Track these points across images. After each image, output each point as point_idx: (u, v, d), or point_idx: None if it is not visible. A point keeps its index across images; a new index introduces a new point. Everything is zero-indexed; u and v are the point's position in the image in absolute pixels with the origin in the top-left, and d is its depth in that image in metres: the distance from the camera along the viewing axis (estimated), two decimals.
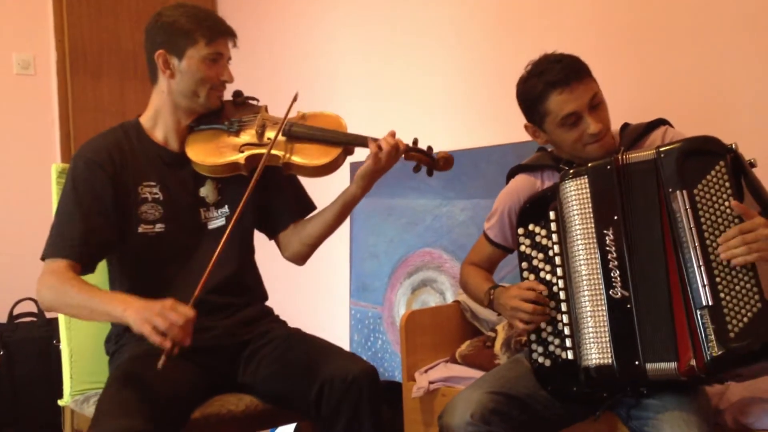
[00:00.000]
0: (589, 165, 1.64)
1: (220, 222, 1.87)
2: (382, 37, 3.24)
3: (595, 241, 1.59)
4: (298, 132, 1.84)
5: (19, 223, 3.37)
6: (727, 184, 1.50)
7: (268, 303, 2.00)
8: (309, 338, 1.85)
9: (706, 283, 1.47)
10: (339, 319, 3.25)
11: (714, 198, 1.50)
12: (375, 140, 1.79)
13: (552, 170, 1.83)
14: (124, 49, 3.71)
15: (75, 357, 1.97)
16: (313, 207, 2.00)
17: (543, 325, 1.66)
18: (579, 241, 1.61)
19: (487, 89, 2.90)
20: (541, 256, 1.69)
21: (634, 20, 2.52)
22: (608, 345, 1.54)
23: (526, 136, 1.89)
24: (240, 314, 1.86)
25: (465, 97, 2.98)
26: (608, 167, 1.61)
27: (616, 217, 1.58)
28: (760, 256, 1.44)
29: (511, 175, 1.93)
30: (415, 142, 1.86)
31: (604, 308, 1.56)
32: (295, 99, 1.85)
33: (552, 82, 1.70)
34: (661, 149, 1.58)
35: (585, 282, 1.59)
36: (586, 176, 1.62)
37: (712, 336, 1.45)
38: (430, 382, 2.15)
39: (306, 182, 2.00)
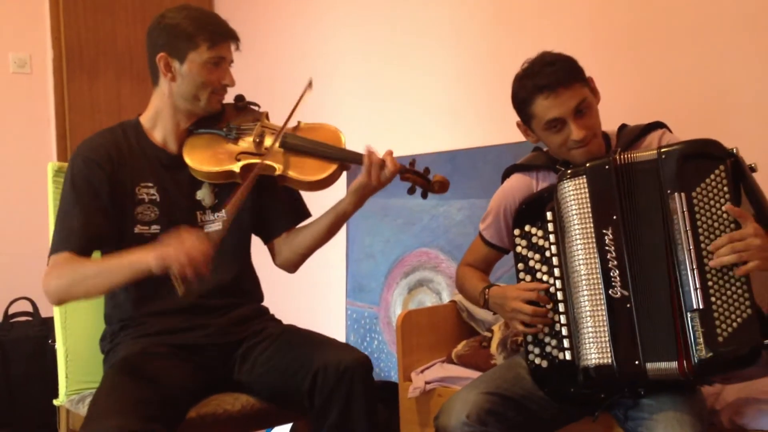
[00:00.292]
0: (588, 165, 1.64)
1: (217, 226, 1.86)
2: (380, 37, 3.24)
3: (594, 241, 1.58)
4: (296, 144, 1.84)
5: (14, 222, 3.37)
6: (726, 188, 1.50)
7: (264, 303, 1.99)
8: (303, 332, 1.85)
9: (698, 286, 1.48)
10: (335, 320, 3.25)
11: (712, 202, 1.50)
12: (366, 153, 1.78)
13: (547, 170, 1.82)
14: (121, 48, 3.70)
15: (70, 356, 1.96)
16: (307, 214, 2.00)
17: (540, 326, 1.66)
18: (578, 241, 1.60)
19: (485, 89, 2.90)
20: (537, 257, 1.69)
21: (634, 20, 2.53)
22: (608, 345, 1.54)
23: (522, 136, 1.90)
24: (234, 313, 1.86)
25: (462, 97, 2.98)
26: (607, 167, 1.61)
27: (615, 217, 1.58)
28: (748, 256, 1.45)
29: (506, 175, 1.93)
30: (412, 163, 1.85)
31: (603, 308, 1.56)
32: (309, 85, 1.84)
33: (539, 87, 1.70)
34: (663, 150, 1.58)
35: (584, 282, 1.59)
36: (584, 176, 1.62)
37: (701, 339, 1.46)
38: (427, 383, 2.15)
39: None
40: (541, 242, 1.69)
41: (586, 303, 1.58)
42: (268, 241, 1.99)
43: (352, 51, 3.33)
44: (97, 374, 1.82)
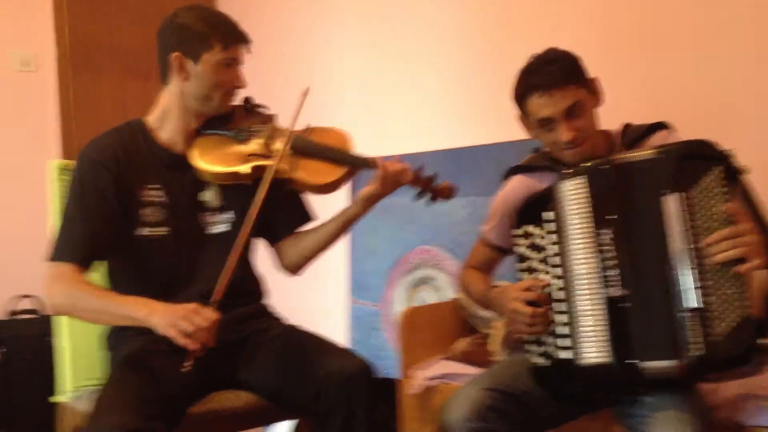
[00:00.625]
0: (588, 164, 1.64)
1: (224, 227, 1.87)
2: (381, 35, 3.25)
3: (593, 240, 1.59)
4: (306, 147, 1.85)
5: (19, 219, 3.38)
6: (723, 189, 1.51)
7: (267, 300, 2.00)
8: (305, 335, 1.86)
9: (695, 286, 1.49)
10: (338, 317, 3.26)
11: (709, 203, 1.51)
12: (382, 163, 1.80)
13: (548, 171, 1.83)
14: (125, 46, 3.71)
15: (75, 353, 1.97)
16: (313, 217, 2.01)
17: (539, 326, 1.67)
18: (578, 241, 1.61)
19: (487, 87, 2.90)
20: (538, 256, 1.69)
21: (636, 21, 2.53)
22: (607, 343, 1.55)
23: (523, 135, 1.90)
24: (236, 312, 1.86)
25: (464, 95, 2.99)
26: (606, 167, 1.62)
27: (615, 216, 1.58)
28: (744, 253, 1.46)
29: (506, 176, 1.94)
30: (420, 169, 1.87)
31: (602, 307, 1.56)
32: (305, 94, 1.85)
33: (534, 85, 1.72)
34: (660, 150, 1.59)
35: (583, 281, 1.59)
36: (584, 176, 1.62)
37: (697, 338, 1.47)
38: (427, 379, 2.16)
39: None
40: (541, 242, 1.69)
41: (586, 302, 1.58)
42: (273, 243, 2.00)
43: (353, 50, 3.34)
44: (99, 371, 1.83)
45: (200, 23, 1.78)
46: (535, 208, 1.72)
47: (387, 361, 3.01)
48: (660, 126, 1.80)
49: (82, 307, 1.69)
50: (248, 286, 1.95)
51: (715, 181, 1.51)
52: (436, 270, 2.94)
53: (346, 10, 3.38)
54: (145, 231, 1.80)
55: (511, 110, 1.84)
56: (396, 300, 3.05)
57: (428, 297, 2.94)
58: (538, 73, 1.73)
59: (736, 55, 2.32)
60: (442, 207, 2.90)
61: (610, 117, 1.85)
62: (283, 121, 1.91)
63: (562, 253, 1.65)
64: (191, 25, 1.77)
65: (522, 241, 1.72)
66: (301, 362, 1.74)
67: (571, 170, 1.66)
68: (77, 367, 1.97)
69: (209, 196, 1.87)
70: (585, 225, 1.61)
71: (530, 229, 1.72)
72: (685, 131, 1.79)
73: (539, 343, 1.67)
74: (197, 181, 1.85)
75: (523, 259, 1.71)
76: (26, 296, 3.16)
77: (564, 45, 1.80)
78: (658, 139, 1.77)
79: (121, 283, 1.85)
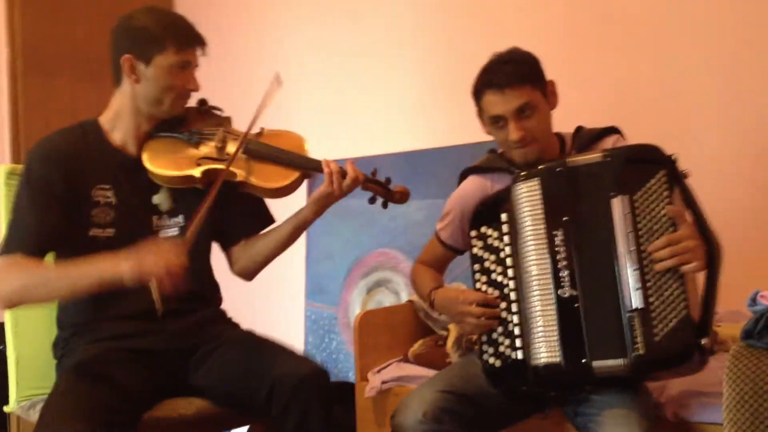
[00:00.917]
0: (541, 167, 1.66)
1: (173, 231, 1.85)
2: (337, 38, 3.24)
3: (545, 242, 1.61)
4: (259, 151, 1.84)
5: None
6: (665, 192, 1.54)
7: (223, 305, 1.99)
8: (260, 340, 1.85)
9: (638, 286, 1.52)
10: (294, 321, 3.24)
11: (653, 205, 1.54)
12: (331, 168, 1.80)
13: (503, 172, 1.85)
14: (78, 48, 3.64)
15: (21, 362, 1.93)
16: (270, 221, 1.99)
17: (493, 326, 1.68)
18: (530, 242, 1.63)
19: (444, 90, 2.92)
20: (493, 257, 1.71)
21: (597, 24, 2.58)
22: (557, 343, 1.57)
23: (480, 137, 1.92)
24: (191, 317, 1.85)
25: (420, 98, 3.00)
26: (558, 169, 1.64)
27: (565, 218, 1.61)
28: (682, 261, 1.50)
29: (462, 176, 1.96)
30: (374, 173, 1.87)
31: (553, 308, 1.58)
32: (277, 81, 1.85)
33: (488, 82, 1.76)
34: (607, 153, 1.62)
35: (535, 282, 1.61)
36: (537, 178, 1.65)
37: (640, 337, 1.50)
38: (383, 382, 2.16)
39: None
40: (496, 243, 1.71)
41: (537, 303, 1.60)
42: (226, 248, 1.99)
43: (309, 52, 3.33)
44: (49, 380, 1.79)
45: (154, 25, 1.76)
46: (490, 210, 1.74)
47: (344, 365, 3.01)
48: (612, 130, 1.83)
49: (37, 282, 1.65)
50: (205, 291, 1.93)
51: (659, 184, 1.55)
52: (393, 273, 2.94)
53: (303, 14, 3.36)
54: (94, 232, 1.77)
55: (468, 113, 1.86)
56: (353, 303, 3.05)
57: (385, 299, 2.94)
58: (494, 72, 1.76)
59: (690, 60, 2.38)
60: (399, 210, 2.90)
61: (566, 119, 1.88)
62: (243, 115, 1.90)
63: (515, 254, 1.67)
64: (145, 27, 1.75)
65: (478, 242, 1.74)
66: (254, 365, 1.73)
67: (524, 172, 1.68)
68: (25, 376, 1.93)
69: (160, 199, 1.85)
70: (538, 226, 1.63)
71: (486, 230, 1.73)
72: (635, 134, 1.83)
73: (493, 343, 1.68)
74: (150, 183, 1.83)
75: (479, 260, 1.73)
76: None
77: (525, 47, 1.83)
78: (609, 143, 1.81)
79: None
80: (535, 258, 1.62)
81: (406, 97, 3.04)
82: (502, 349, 1.67)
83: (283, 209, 1.97)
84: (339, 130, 3.19)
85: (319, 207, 1.85)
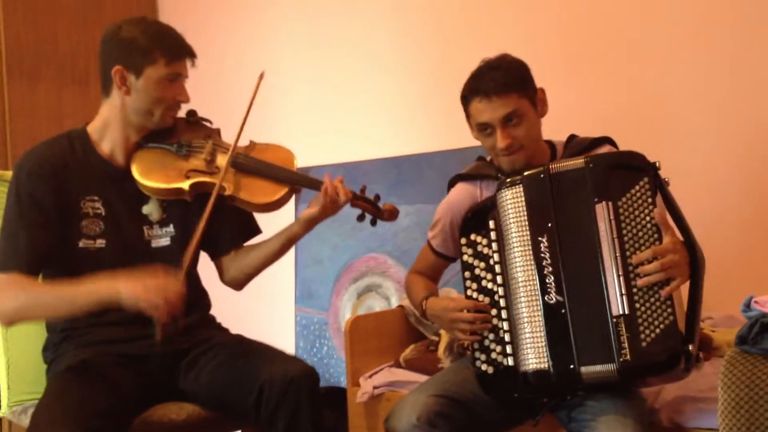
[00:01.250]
0: (525, 174, 1.67)
1: (165, 241, 1.85)
2: (321, 42, 3.23)
3: (530, 248, 1.62)
4: (247, 165, 1.85)
5: None
6: (649, 199, 1.55)
7: (212, 310, 1.99)
8: (249, 343, 1.85)
9: (623, 292, 1.53)
10: (284, 326, 3.24)
11: (636, 212, 1.55)
12: (323, 184, 1.81)
13: (491, 180, 1.86)
14: (63, 52, 3.61)
15: (12, 367, 1.93)
16: (256, 232, 2.01)
17: (485, 332, 1.69)
18: (516, 249, 1.64)
19: (431, 96, 2.93)
20: (482, 265, 1.72)
21: (589, 30, 2.59)
22: (545, 350, 1.57)
23: (468, 143, 1.92)
24: (183, 322, 1.81)
25: (407, 103, 3.01)
26: (542, 176, 1.65)
27: (550, 225, 1.61)
28: (668, 276, 1.51)
29: (451, 184, 1.96)
30: (363, 190, 1.89)
31: (540, 314, 1.59)
32: (261, 77, 1.85)
33: (476, 89, 1.76)
34: (589, 159, 1.62)
35: (522, 288, 1.62)
36: (521, 185, 1.65)
37: (626, 343, 1.51)
38: (375, 387, 2.16)
39: None
40: (485, 250, 1.71)
41: (524, 309, 1.61)
42: (215, 258, 1.99)
43: (292, 58, 3.32)
44: (40, 385, 1.79)
45: (144, 37, 1.75)
46: (479, 217, 1.74)
47: (335, 370, 3.01)
48: (606, 141, 1.83)
49: (37, 302, 1.66)
50: (195, 297, 1.92)
51: (642, 191, 1.56)
52: (383, 277, 2.94)
53: (289, 17, 3.35)
54: (83, 243, 1.77)
55: (454, 118, 1.86)
56: (343, 308, 3.05)
57: (375, 304, 2.94)
58: (481, 78, 1.76)
59: (684, 66, 2.40)
60: None
61: (556, 126, 1.88)
62: (225, 129, 1.89)
63: (503, 261, 1.67)
64: (135, 39, 1.75)
65: (468, 249, 1.74)
66: (243, 368, 1.73)
67: (509, 179, 1.68)
68: (16, 381, 1.93)
69: (150, 209, 1.85)
70: (522, 233, 1.63)
71: (475, 237, 1.74)
72: (634, 140, 1.83)
73: (486, 350, 1.68)
74: (139, 194, 1.83)
75: (469, 267, 1.73)
76: None
77: (515, 53, 1.83)
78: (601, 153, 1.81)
79: None
80: (521, 264, 1.63)
81: (394, 102, 3.04)
82: (494, 355, 1.68)
83: (269, 220, 1.97)
84: (326, 135, 3.19)
85: (309, 225, 1.88)
